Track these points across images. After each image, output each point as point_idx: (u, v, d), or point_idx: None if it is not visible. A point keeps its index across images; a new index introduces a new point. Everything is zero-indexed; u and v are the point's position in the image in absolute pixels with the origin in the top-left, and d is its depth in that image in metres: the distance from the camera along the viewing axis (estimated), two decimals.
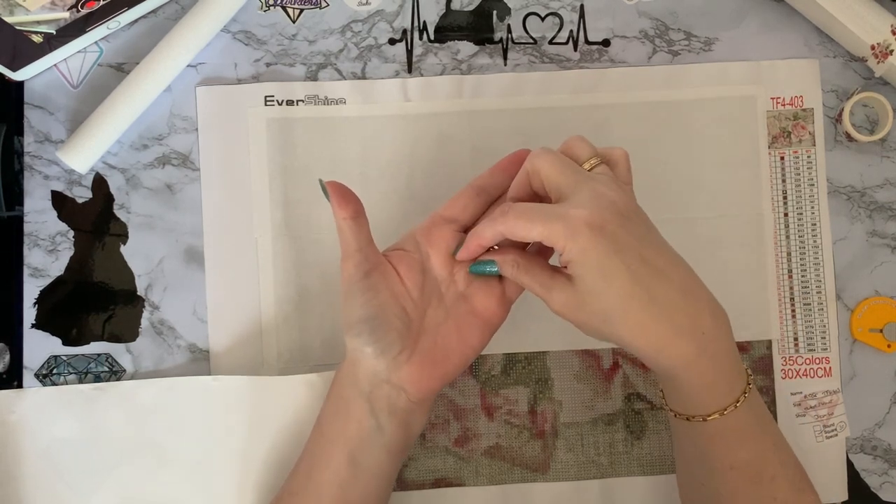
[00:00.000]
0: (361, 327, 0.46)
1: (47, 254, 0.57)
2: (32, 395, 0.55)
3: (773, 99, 0.58)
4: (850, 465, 0.57)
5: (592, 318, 0.43)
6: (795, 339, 0.57)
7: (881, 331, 0.57)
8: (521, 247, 0.48)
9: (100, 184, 0.57)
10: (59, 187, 0.57)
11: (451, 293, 0.48)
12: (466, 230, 0.49)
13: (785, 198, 0.58)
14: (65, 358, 0.56)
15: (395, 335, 0.46)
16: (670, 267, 0.44)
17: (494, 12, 0.59)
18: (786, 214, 0.58)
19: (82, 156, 0.55)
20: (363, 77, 0.58)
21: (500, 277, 0.49)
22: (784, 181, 0.58)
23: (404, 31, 0.58)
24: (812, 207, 0.58)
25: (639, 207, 0.45)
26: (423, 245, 0.49)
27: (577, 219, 0.42)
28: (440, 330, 0.48)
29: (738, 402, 0.44)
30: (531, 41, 0.59)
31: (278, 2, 0.58)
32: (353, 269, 0.46)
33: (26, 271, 0.57)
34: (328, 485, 0.47)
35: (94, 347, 0.56)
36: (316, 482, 0.47)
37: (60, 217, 0.57)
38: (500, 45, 0.59)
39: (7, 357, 0.56)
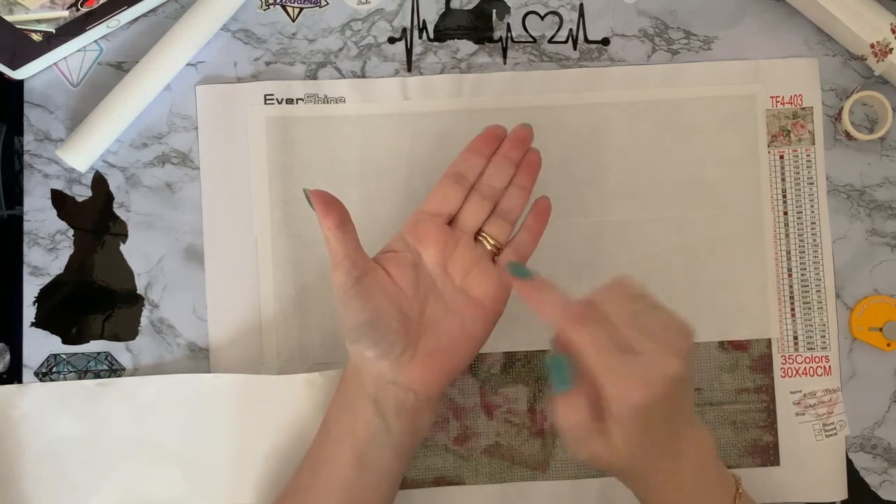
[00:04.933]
0: (359, 333, 0.46)
1: (47, 252, 0.57)
2: (34, 390, 0.55)
3: (772, 98, 0.58)
4: (849, 463, 0.57)
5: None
6: (795, 337, 0.57)
7: (881, 329, 0.57)
8: None
9: (99, 182, 0.57)
10: (59, 186, 0.57)
11: (448, 287, 0.48)
12: (451, 221, 0.49)
13: (784, 196, 0.58)
14: (64, 356, 0.56)
15: (395, 336, 0.46)
16: None
17: (494, 11, 0.59)
18: (785, 213, 0.58)
19: (82, 154, 0.55)
20: (363, 76, 0.58)
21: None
22: (783, 180, 0.58)
23: (404, 30, 0.59)
24: (811, 206, 0.58)
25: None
26: (411, 243, 0.49)
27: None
28: (441, 325, 0.48)
29: (735, 500, 0.45)
30: (531, 40, 0.59)
31: (278, 1, 0.58)
32: (344, 277, 0.46)
33: (26, 270, 0.57)
34: (334, 484, 0.47)
35: (94, 346, 0.56)
36: (322, 481, 0.47)
37: (60, 216, 0.57)
38: (499, 43, 0.59)
39: (7, 357, 0.56)
